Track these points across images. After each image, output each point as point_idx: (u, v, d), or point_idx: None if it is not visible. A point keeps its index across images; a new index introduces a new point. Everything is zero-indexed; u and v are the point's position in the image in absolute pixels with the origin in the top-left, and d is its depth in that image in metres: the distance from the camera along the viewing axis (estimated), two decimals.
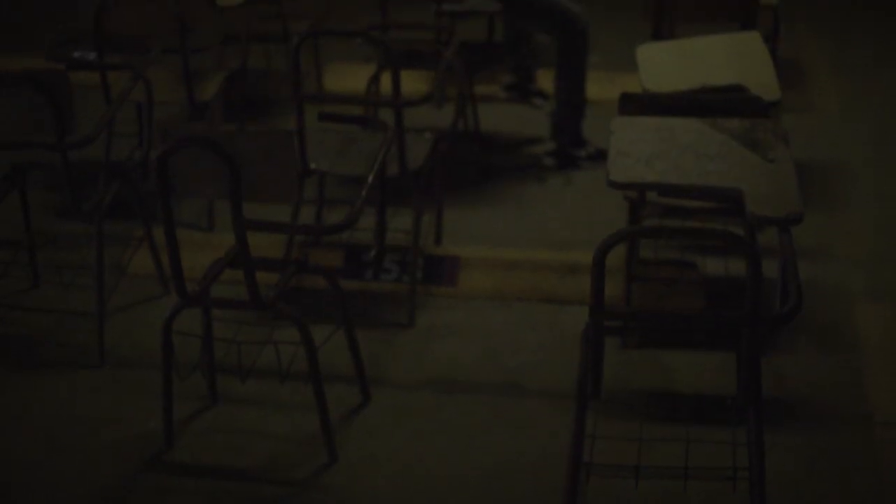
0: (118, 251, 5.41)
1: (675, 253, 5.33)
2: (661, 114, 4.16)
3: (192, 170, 3.78)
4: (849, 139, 6.66)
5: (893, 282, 5.28)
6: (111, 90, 5.39)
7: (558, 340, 4.79)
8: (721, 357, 4.58)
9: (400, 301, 5.06)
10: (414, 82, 6.17)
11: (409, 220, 5.07)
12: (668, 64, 4.79)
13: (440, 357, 4.74)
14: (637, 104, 4.25)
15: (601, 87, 6.82)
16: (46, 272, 5.23)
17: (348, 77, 6.99)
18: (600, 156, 6.13)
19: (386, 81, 5.29)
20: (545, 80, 6.81)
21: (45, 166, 4.86)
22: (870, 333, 4.88)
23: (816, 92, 7.32)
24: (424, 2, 6.07)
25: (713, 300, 5.02)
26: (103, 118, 4.83)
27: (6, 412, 4.43)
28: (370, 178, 4.08)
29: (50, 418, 4.38)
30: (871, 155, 6.48)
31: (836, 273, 5.33)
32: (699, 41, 4.97)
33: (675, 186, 3.67)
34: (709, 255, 5.27)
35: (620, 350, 4.69)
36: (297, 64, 4.66)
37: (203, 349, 4.30)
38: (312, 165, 4.80)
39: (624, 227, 3.71)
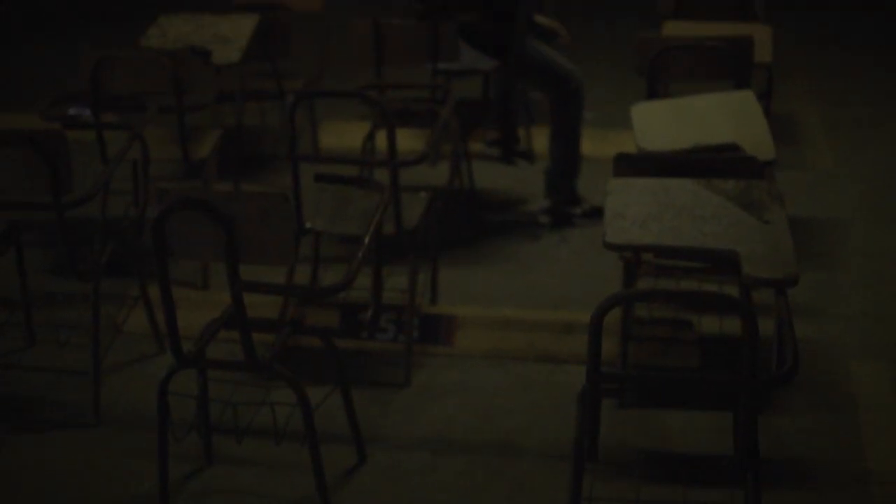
0: (114, 309, 5.41)
1: (670, 311, 5.33)
2: (656, 174, 4.17)
3: (188, 231, 3.78)
4: (842, 196, 6.68)
5: (888, 339, 5.28)
6: (107, 147, 5.41)
7: (554, 400, 4.78)
8: (718, 417, 4.57)
9: (396, 360, 5.06)
10: (409, 140, 6.19)
11: (404, 278, 5.08)
12: (662, 123, 4.80)
13: (436, 417, 4.73)
14: (632, 164, 4.27)
15: (596, 143, 6.85)
16: (42, 331, 5.22)
17: (344, 134, 7.02)
18: (595, 213, 6.15)
19: (381, 139, 5.31)
20: (540, 135, 6.83)
21: (41, 225, 4.86)
22: (866, 391, 4.87)
23: (810, 148, 7.35)
24: (420, 60, 6.09)
25: (709, 359, 5.02)
26: (99, 178, 4.83)
27: (1, 472, 4.41)
28: (366, 240, 4.09)
29: (45, 478, 4.36)
30: (864, 212, 6.50)
31: (831, 330, 5.34)
32: (693, 100, 4.98)
33: (671, 248, 3.67)
34: (704, 312, 5.28)
35: (617, 409, 4.68)
36: (293, 123, 4.68)
37: (199, 410, 4.29)
38: (308, 225, 4.81)
39: (620, 291, 3.71)
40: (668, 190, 3.94)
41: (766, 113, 5.31)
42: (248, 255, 3.70)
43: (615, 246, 3.71)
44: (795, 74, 8.39)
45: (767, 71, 6.04)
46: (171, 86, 5.46)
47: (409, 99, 6.03)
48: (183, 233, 3.81)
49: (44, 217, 4.50)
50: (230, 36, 6.03)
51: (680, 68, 5.60)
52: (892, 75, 8.63)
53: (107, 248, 4.84)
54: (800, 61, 8.71)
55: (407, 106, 5.86)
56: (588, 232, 6.17)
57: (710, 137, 4.62)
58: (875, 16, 10.05)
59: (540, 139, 6.85)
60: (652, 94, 5.42)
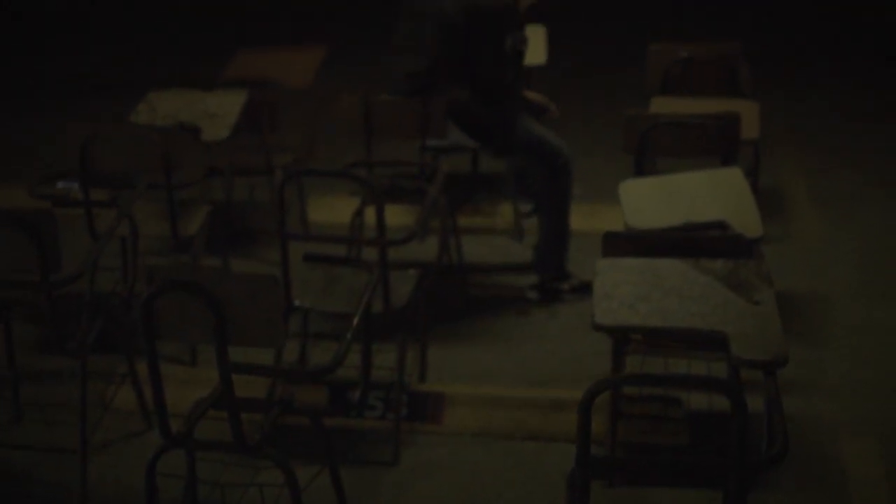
0: (102, 386, 5.40)
1: (659, 388, 5.32)
2: (644, 253, 4.19)
3: (177, 312, 3.78)
4: (831, 269, 6.70)
5: (877, 415, 5.28)
6: (96, 220, 5.42)
7: (543, 479, 4.77)
8: (707, 496, 4.56)
9: (384, 438, 5.04)
10: (398, 215, 6.22)
11: (393, 355, 5.08)
12: (650, 200, 4.82)
13: (424, 496, 4.71)
14: (621, 243, 4.29)
15: (584, 218, 6.87)
16: (29, 408, 5.21)
17: (333, 210, 7.03)
18: (584, 289, 6.15)
19: (371, 214, 5.32)
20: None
21: (29, 302, 4.86)
22: (856, 468, 4.87)
23: (798, 221, 7.38)
24: (409, 136, 6.12)
25: (698, 436, 5.02)
26: (88, 257, 4.84)
27: None
28: (355, 321, 4.09)
29: None
30: (853, 285, 6.51)
31: (821, 406, 5.33)
32: (681, 177, 5.01)
33: (660, 330, 3.68)
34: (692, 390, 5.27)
35: (606, 488, 4.67)
36: (282, 202, 4.69)
37: (187, 490, 4.27)
38: (297, 302, 4.81)
39: (608, 377, 3.71)
40: (656, 270, 3.95)
41: (754, 189, 5.34)
42: (236, 336, 3.70)
43: (604, 327, 3.72)
44: (783, 147, 8.43)
45: (755, 147, 6.07)
46: (160, 163, 5.47)
47: (397, 176, 6.05)
48: (171, 313, 3.80)
49: (32, 294, 4.51)
50: (219, 112, 6.05)
51: (667, 145, 5.63)
52: (878, 147, 8.67)
53: (95, 324, 4.83)
54: (787, 133, 8.75)
55: (395, 183, 5.88)
56: (577, 307, 6.17)
57: (698, 215, 4.64)
58: (859, 88, 10.11)
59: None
60: (639, 170, 5.44)
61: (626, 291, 3.83)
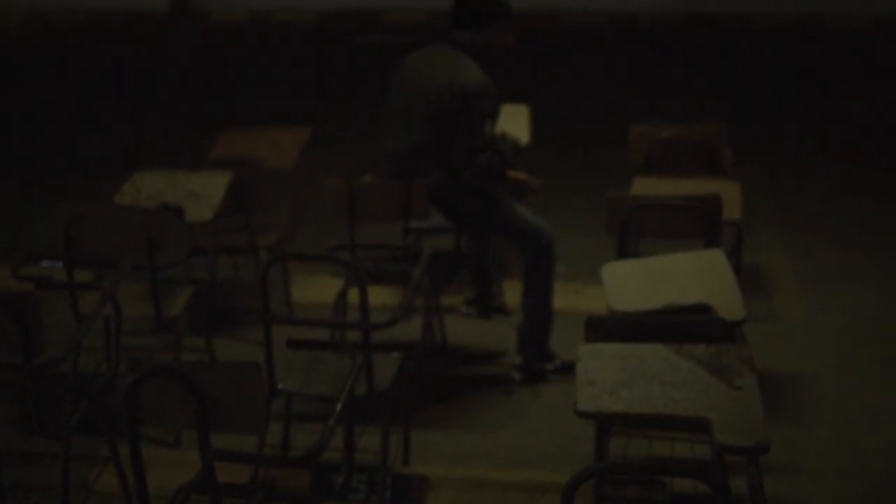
0: (84, 469, 5.37)
1: None
2: (627, 337, 4.20)
3: (160, 398, 3.78)
4: (814, 348, 6.71)
5: (862, 496, 5.27)
6: (79, 301, 5.42)
7: None
8: None
9: None
10: (382, 295, 6.22)
11: (377, 438, 5.06)
12: (633, 283, 4.84)
13: None
14: (603, 327, 4.30)
15: (568, 298, 6.88)
16: (12, 492, 5.17)
17: (317, 290, 7.03)
18: (568, 369, 6.15)
19: (354, 295, 5.33)
20: (513, 291, 6.85)
21: (11, 384, 4.85)
22: None
23: (782, 300, 7.40)
24: (392, 218, 6.14)
25: None
26: (71, 339, 4.84)
27: None
28: (338, 407, 4.09)
29: None
30: (836, 364, 6.52)
31: (805, 487, 5.34)
32: (663, 260, 5.03)
33: (642, 416, 3.69)
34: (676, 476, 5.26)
35: None
36: (265, 286, 4.70)
37: None
38: (280, 386, 4.81)
39: (591, 465, 3.72)
40: (638, 355, 3.96)
41: (736, 270, 5.36)
42: (218, 423, 3.70)
43: (587, 413, 3.73)
44: (767, 224, 8.48)
45: (737, 228, 6.11)
46: (144, 244, 5.48)
47: (380, 258, 6.06)
48: (154, 399, 3.80)
49: (15, 376, 4.51)
50: (203, 193, 6.07)
51: (650, 227, 5.66)
52: (862, 223, 8.72)
53: (78, 406, 4.82)
54: (771, 211, 8.80)
55: (379, 265, 5.90)
56: (561, 387, 6.17)
57: (680, 297, 4.65)
58: (843, 166, 10.19)
59: (512, 294, 6.87)
60: (622, 252, 5.47)
61: (608, 377, 3.84)
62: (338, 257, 5.02)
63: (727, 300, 4.62)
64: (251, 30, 16.84)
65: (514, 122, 7.13)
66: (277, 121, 10.44)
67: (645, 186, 6.20)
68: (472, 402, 6.13)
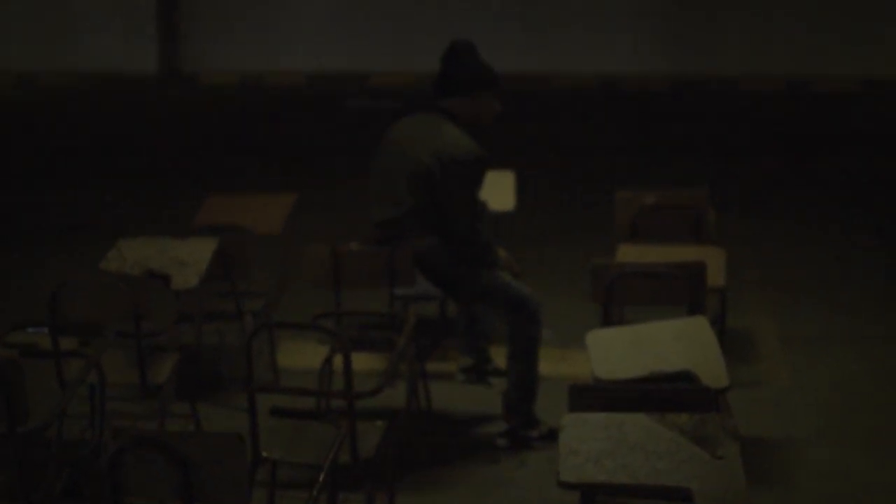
0: None
1: None
2: (611, 406, 4.21)
3: (143, 469, 3.78)
4: (799, 413, 6.71)
5: None
6: (64, 365, 5.42)
7: None
8: None
9: None
10: (367, 361, 6.24)
11: None
12: (618, 351, 4.85)
13: None
14: (587, 396, 4.30)
15: (554, 364, 6.90)
16: None
17: (303, 356, 7.04)
18: (554, 435, 6.12)
19: (340, 361, 5.34)
20: (499, 357, 6.86)
21: None
22: None
23: (767, 364, 7.41)
24: (377, 285, 6.16)
25: None
26: (56, 407, 4.84)
27: None
28: (322, 475, 4.09)
29: None
30: (821, 430, 6.52)
31: None
32: (648, 327, 5.05)
33: (624, 487, 3.70)
34: None
35: None
36: (250, 355, 4.71)
37: None
38: (265, 454, 4.81)
39: None
40: (621, 425, 3.97)
41: (721, 336, 5.39)
42: (202, 494, 3.70)
43: (569, 484, 3.73)
44: (752, 288, 8.50)
45: (721, 294, 6.13)
46: (129, 312, 5.49)
47: (366, 325, 6.08)
48: (138, 469, 3.80)
49: None
50: (189, 260, 6.09)
51: (635, 294, 5.69)
52: (848, 286, 8.76)
53: (62, 474, 4.81)
54: (756, 274, 8.83)
55: (364, 333, 5.91)
56: (547, 454, 6.15)
57: (664, 365, 4.67)
58: (828, 229, 10.24)
59: (499, 359, 6.87)
60: (607, 319, 5.48)
61: (591, 447, 3.84)
62: (322, 326, 5.03)
63: (711, 368, 4.63)
64: (241, 92, 16.93)
65: (500, 188, 7.17)
66: (265, 184, 10.50)
67: (630, 253, 6.23)
68: (457, 469, 6.12)
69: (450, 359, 7.14)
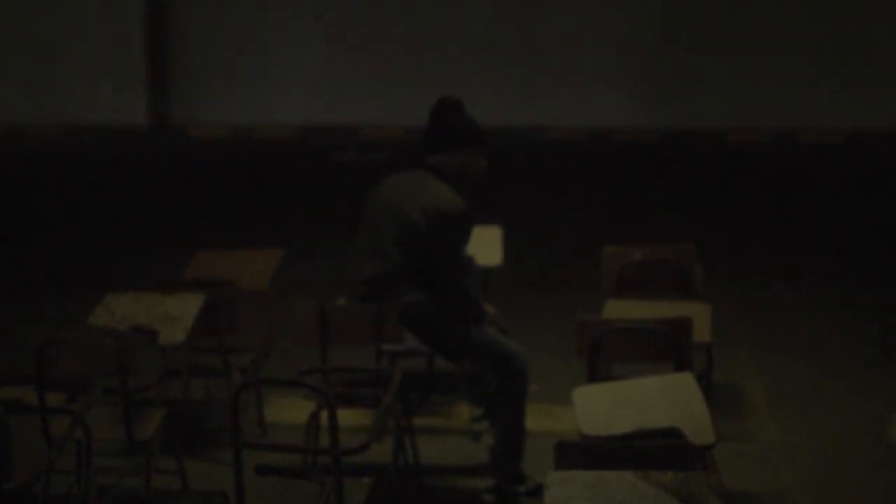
0: None
1: None
2: (596, 463, 4.21)
3: None
4: (786, 469, 6.71)
5: None
6: (50, 422, 5.41)
7: None
8: None
9: None
10: (354, 417, 6.22)
11: None
12: (604, 407, 4.85)
13: None
14: (573, 453, 4.31)
15: (540, 419, 6.90)
16: None
17: (289, 411, 7.03)
18: (541, 491, 6.12)
19: (327, 417, 5.34)
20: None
21: None
22: None
23: (754, 420, 7.41)
24: (365, 341, 6.16)
25: None
26: (43, 464, 4.84)
27: None
28: None
29: None
30: (807, 485, 6.52)
31: None
32: (634, 384, 5.05)
33: None
34: None
35: None
36: (235, 414, 4.71)
37: None
38: None
39: None
40: (606, 483, 3.97)
41: (707, 392, 5.39)
42: None
43: None
44: (739, 343, 8.51)
45: (707, 350, 6.14)
46: (116, 367, 5.50)
47: (353, 381, 6.08)
48: None
49: None
50: (176, 315, 6.10)
51: (621, 350, 5.70)
52: (834, 340, 8.78)
53: None
54: (743, 329, 8.85)
55: (351, 389, 5.91)
56: None
57: (650, 421, 4.67)
58: (818, 283, 10.27)
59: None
60: (593, 376, 5.49)
61: None
62: (307, 383, 5.03)
63: (697, 424, 4.64)
64: (230, 145, 16.98)
65: (487, 243, 7.19)
66: (254, 238, 10.52)
67: (616, 309, 6.24)
68: None
69: (437, 414, 7.14)
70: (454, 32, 18.02)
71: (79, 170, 15.47)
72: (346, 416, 4.94)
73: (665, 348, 5.62)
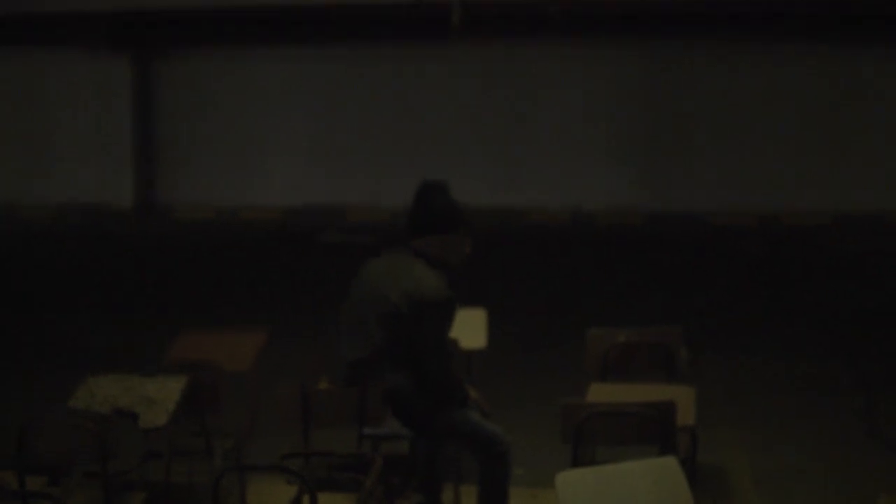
0: None
1: None
2: None
3: None
4: None
5: None
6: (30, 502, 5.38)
7: None
8: None
9: None
10: (336, 500, 6.18)
11: None
12: (587, 493, 4.82)
13: None
14: None
15: (525, 502, 6.85)
16: None
17: (271, 496, 6.98)
18: None
19: (308, 502, 5.30)
20: (470, 497, 6.81)
21: None
22: None
23: (739, 500, 7.38)
24: (347, 424, 6.14)
25: None
26: None
27: None
28: None
29: None
30: None
31: None
32: (618, 468, 5.02)
33: None
34: None
35: None
36: (218, 496, 4.68)
37: None
38: None
39: None
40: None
41: (692, 476, 5.36)
42: None
43: None
44: (724, 424, 8.49)
45: (691, 433, 6.12)
46: (97, 451, 5.46)
47: (334, 465, 6.04)
48: None
49: None
50: (158, 398, 6.07)
51: (605, 434, 5.68)
52: (820, 420, 8.76)
53: None
54: (728, 411, 8.83)
55: (332, 473, 5.87)
56: None
57: None
58: (799, 362, 10.28)
59: (469, 499, 6.83)
60: (577, 460, 5.47)
61: None
62: (289, 468, 4.99)
63: None
64: (216, 227, 17.00)
65: (471, 326, 7.19)
66: (237, 319, 10.51)
67: (600, 392, 6.22)
68: None
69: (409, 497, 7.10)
70: (440, 115, 18.12)
71: (65, 249, 15.46)
72: (328, 501, 4.89)
73: (649, 432, 5.60)
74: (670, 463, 5.06)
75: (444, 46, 17.97)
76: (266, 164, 18.13)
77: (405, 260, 6.23)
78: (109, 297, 12.79)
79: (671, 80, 17.90)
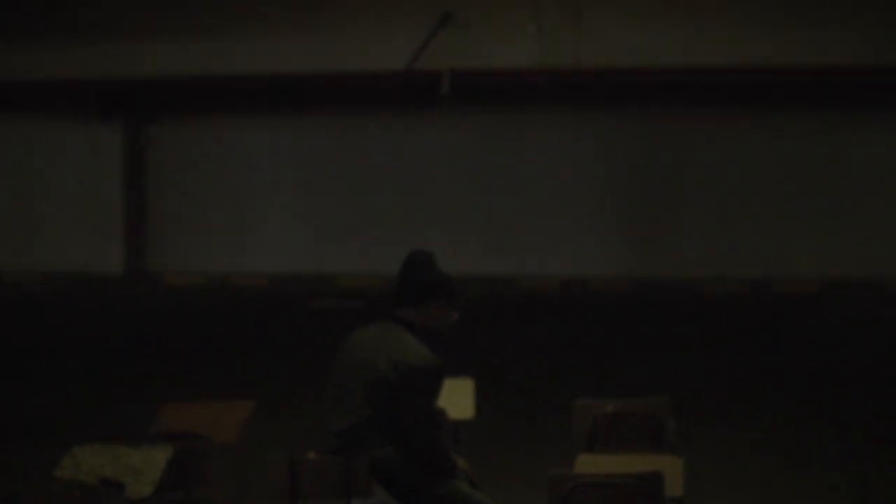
0: None
1: None
2: None
3: None
4: None
5: None
6: None
7: None
8: None
9: None
10: None
11: None
12: None
13: None
14: None
15: None
16: None
17: None
18: None
19: None
20: None
21: None
22: None
23: None
24: (335, 495, 6.10)
25: None
26: None
27: None
28: None
29: None
30: None
31: None
32: None
33: None
34: None
35: None
36: None
37: None
38: None
39: None
40: None
41: None
42: None
43: None
44: (712, 495, 8.46)
45: None
46: None
47: None
48: None
49: None
50: (143, 468, 6.04)
51: None
52: (808, 496, 8.73)
53: None
54: (716, 481, 8.80)
55: None
56: None
57: None
58: (792, 433, 10.26)
59: None
60: None
61: None
62: None
63: None
64: (205, 293, 17.00)
65: (459, 395, 7.17)
66: (226, 385, 10.49)
67: (588, 463, 6.20)
68: None
69: None
70: (430, 182, 18.18)
71: (54, 316, 15.44)
72: None
73: (638, 503, 5.57)
74: None
75: (434, 115, 18.07)
76: (256, 230, 18.16)
77: (391, 329, 6.22)
78: (99, 364, 12.75)
79: (661, 148, 18.00)
